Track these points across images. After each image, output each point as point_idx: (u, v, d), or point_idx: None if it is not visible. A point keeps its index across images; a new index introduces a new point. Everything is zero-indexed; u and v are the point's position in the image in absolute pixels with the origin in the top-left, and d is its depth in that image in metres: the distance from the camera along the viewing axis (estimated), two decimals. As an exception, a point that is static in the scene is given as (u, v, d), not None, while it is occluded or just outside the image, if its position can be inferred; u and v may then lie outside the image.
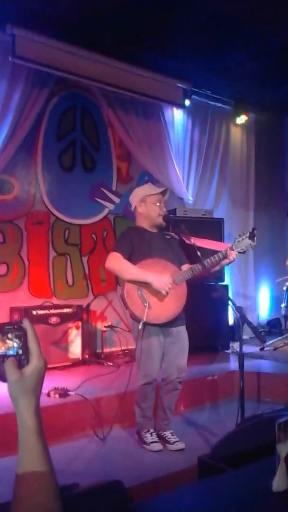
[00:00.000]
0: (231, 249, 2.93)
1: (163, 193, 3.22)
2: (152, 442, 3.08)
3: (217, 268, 3.07)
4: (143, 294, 2.98)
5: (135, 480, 2.56)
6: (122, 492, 1.40)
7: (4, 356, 0.89)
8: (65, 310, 4.60)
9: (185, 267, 3.14)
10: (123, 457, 3.00)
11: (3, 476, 2.64)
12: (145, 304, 2.94)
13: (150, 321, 2.96)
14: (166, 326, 3.05)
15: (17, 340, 0.90)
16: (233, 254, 2.94)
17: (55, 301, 4.93)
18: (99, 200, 5.48)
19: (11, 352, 0.90)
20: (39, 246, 4.97)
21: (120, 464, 2.91)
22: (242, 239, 2.94)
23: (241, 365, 2.72)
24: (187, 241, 3.04)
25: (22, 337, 0.90)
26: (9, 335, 0.90)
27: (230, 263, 3.01)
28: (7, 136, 4.48)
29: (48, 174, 5.06)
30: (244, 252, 3.02)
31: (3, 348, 0.90)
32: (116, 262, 3.02)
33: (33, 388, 0.88)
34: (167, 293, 2.97)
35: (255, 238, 2.92)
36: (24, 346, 0.90)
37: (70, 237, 5.22)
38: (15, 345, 0.90)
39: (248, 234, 2.94)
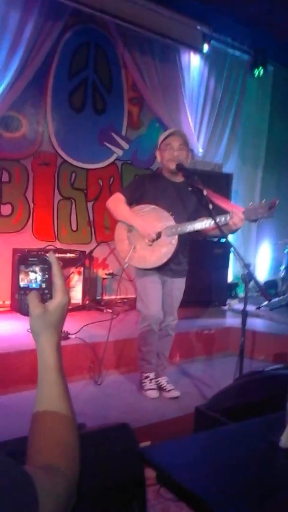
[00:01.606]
0: (238, 214, 2.72)
1: (175, 136, 3.03)
2: (149, 389, 3.15)
3: (225, 231, 2.78)
4: (132, 236, 3.01)
5: (130, 424, 2.63)
6: (129, 435, 1.42)
7: (27, 289, 0.87)
8: (68, 255, 4.59)
9: None
10: (119, 401, 3.09)
11: (12, 412, 2.73)
12: (131, 246, 2.99)
13: (132, 264, 3.03)
14: (162, 274, 3.05)
15: (40, 273, 0.87)
16: (237, 219, 2.71)
17: (58, 245, 4.91)
18: (108, 144, 5.34)
19: (34, 285, 0.87)
20: (45, 188, 4.89)
21: (116, 408, 2.99)
22: (256, 208, 2.74)
23: (244, 322, 2.74)
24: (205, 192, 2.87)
25: (46, 270, 0.87)
26: (33, 268, 0.88)
27: (236, 230, 2.79)
28: (17, 70, 4.29)
29: (57, 113, 4.89)
30: (255, 221, 2.88)
31: (25, 280, 0.88)
32: (114, 202, 3.06)
33: (56, 323, 0.86)
34: (150, 243, 2.95)
35: (274, 210, 2.70)
36: (48, 280, 0.87)
37: (76, 181, 5.12)
38: (39, 278, 0.87)
39: (266, 204, 2.73)
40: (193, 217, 3.00)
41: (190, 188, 3.01)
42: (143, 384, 3.19)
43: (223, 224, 2.76)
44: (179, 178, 3.07)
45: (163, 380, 3.25)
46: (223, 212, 2.83)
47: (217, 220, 2.74)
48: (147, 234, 2.93)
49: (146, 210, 3.01)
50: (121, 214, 3.04)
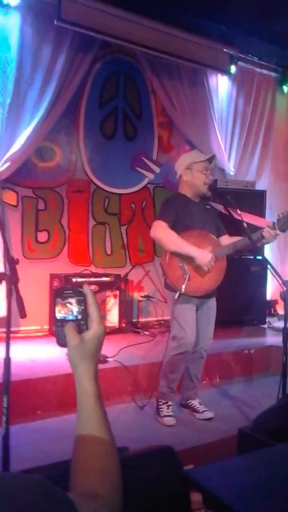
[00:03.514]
0: (273, 227, 2.80)
1: (209, 160, 3.11)
2: (166, 416, 3.04)
3: (258, 245, 2.92)
4: (184, 265, 2.93)
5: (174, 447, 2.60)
6: (173, 457, 1.41)
7: (64, 321, 0.89)
8: (104, 279, 4.65)
9: (225, 239, 3.08)
10: (158, 424, 3.04)
11: (53, 436, 2.75)
12: (185, 276, 2.90)
13: (189, 293, 2.93)
14: (202, 298, 3.04)
15: (76, 305, 0.90)
16: (273, 232, 2.80)
17: (93, 269, 4.98)
18: (139, 169, 5.43)
19: (70, 317, 0.89)
20: (79, 214, 5.00)
21: (155, 431, 2.95)
22: (284, 217, 2.79)
23: (285, 340, 2.68)
24: (236, 216, 2.93)
25: (82, 302, 0.89)
26: (69, 300, 0.90)
27: (269, 242, 2.90)
28: (51, 102, 4.45)
29: (89, 141, 5.03)
30: (284, 231, 2.90)
31: (62, 312, 0.90)
32: (162, 232, 2.94)
33: (93, 353, 0.88)
34: (208, 269, 2.92)
35: None
36: (84, 312, 0.89)
37: (109, 206, 5.22)
38: (75, 310, 0.89)
39: None
40: (222, 233, 3.13)
41: (208, 207, 3.11)
42: (160, 409, 3.08)
43: (258, 240, 2.85)
44: (198, 198, 3.12)
45: (196, 402, 3.20)
46: (256, 228, 2.90)
47: (257, 234, 2.82)
48: (207, 262, 2.88)
49: (193, 234, 2.97)
50: (174, 244, 2.92)
